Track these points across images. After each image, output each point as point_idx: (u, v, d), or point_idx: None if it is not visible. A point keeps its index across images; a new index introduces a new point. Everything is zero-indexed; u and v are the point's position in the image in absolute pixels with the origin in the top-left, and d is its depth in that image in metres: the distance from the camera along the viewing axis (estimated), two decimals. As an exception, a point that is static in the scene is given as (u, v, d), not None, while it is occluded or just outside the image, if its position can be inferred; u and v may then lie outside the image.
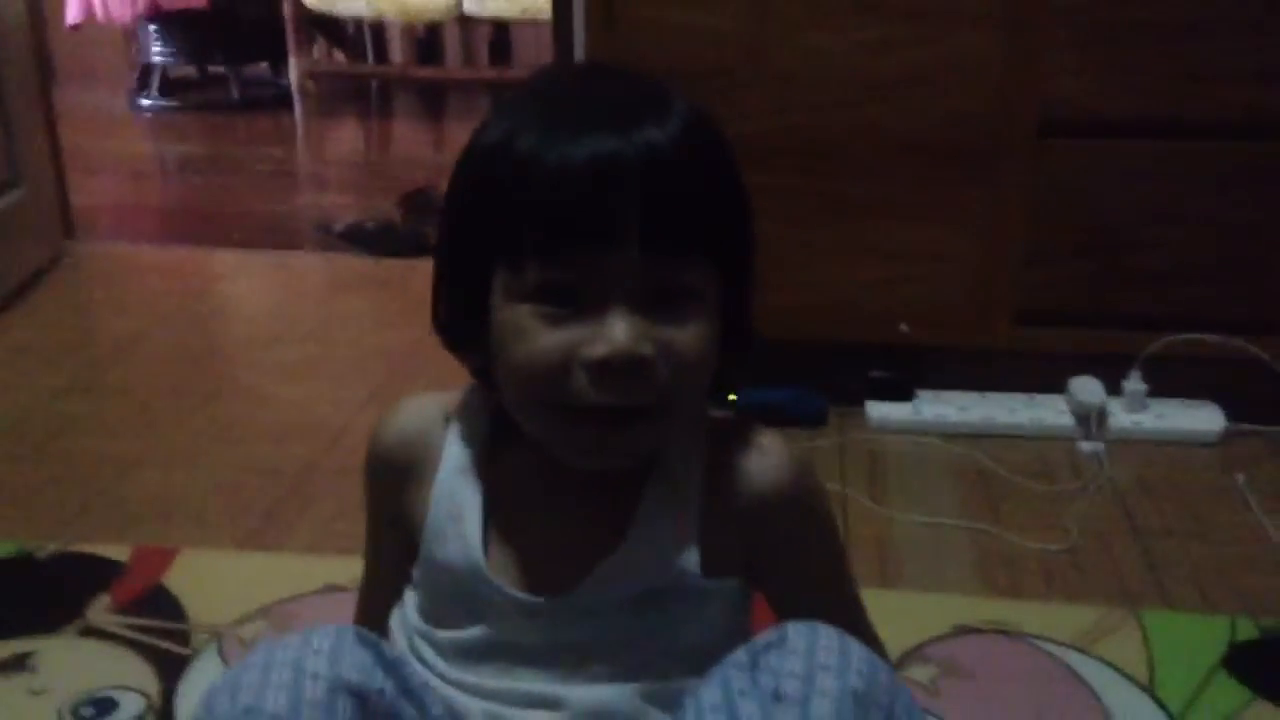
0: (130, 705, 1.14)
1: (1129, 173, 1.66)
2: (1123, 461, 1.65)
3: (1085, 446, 1.68)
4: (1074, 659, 1.21)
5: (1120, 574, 1.39)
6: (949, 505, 1.54)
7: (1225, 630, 1.27)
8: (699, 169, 0.71)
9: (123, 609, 1.29)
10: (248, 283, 2.47)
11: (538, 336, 0.69)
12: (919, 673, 1.18)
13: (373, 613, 0.84)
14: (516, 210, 0.69)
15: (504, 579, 0.75)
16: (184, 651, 1.22)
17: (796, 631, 0.69)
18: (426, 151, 3.87)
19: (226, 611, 1.28)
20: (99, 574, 1.35)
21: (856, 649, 0.69)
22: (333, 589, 1.32)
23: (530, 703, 0.74)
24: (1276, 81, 1.60)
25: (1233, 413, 1.71)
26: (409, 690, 0.72)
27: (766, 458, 0.78)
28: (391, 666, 0.71)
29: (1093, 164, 1.67)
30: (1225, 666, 1.21)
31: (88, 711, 1.13)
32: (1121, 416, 1.71)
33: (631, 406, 0.69)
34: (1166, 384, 1.72)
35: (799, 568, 0.81)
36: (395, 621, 0.82)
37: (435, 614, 0.78)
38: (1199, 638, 1.25)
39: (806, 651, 0.67)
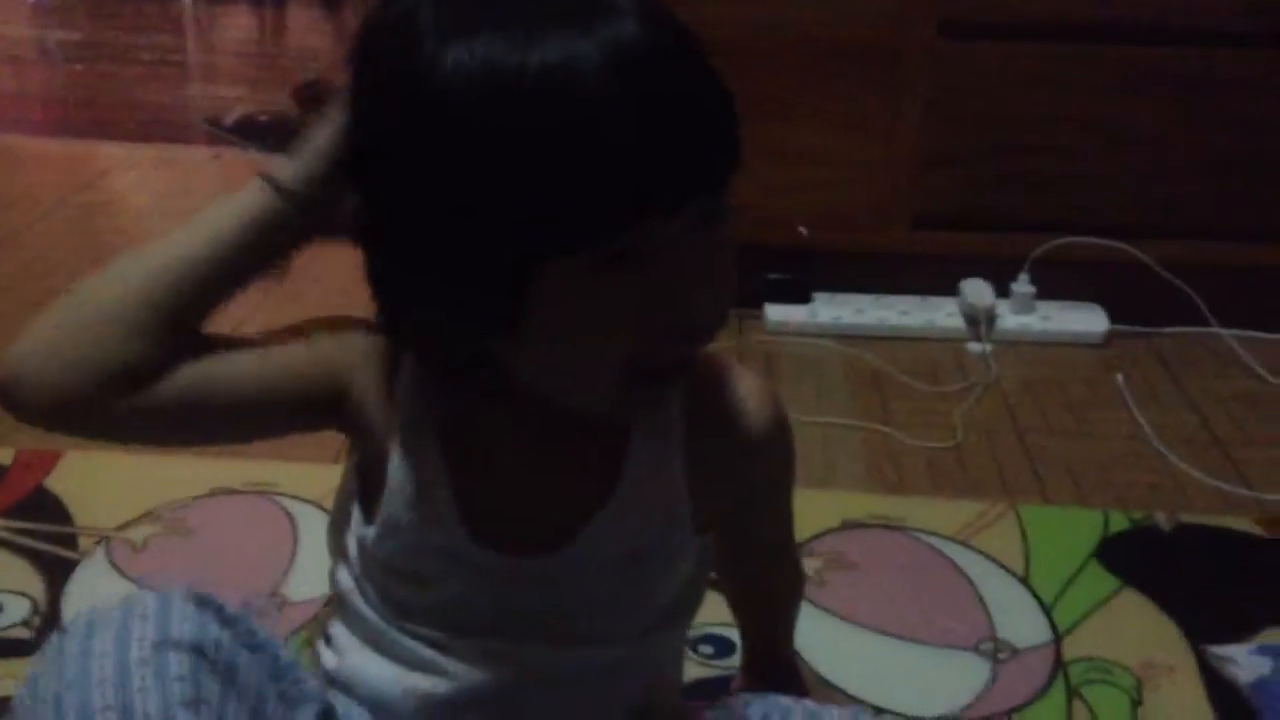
0: (15, 609, 1.13)
1: (1025, 76, 1.68)
2: (1009, 362, 1.70)
3: (974, 348, 1.72)
4: (954, 551, 1.26)
5: (1002, 470, 1.44)
6: (842, 406, 1.57)
7: (1098, 523, 1.32)
8: (701, 55, 0.59)
9: (5, 512, 1.26)
10: (134, 176, 2.38)
11: (618, 312, 0.58)
12: (806, 565, 1.21)
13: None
14: (582, 181, 0.54)
15: (482, 539, 0.68)
16: (70, 555, 1.20)
17: None
18: (323, 41, 3.74)
19: (113, 515, 1.26)
20: (-21, 477, 1.32)
21: None
22: (223, 491, 1.31)
23: (495, 663, 0.70)
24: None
25: (1116, 315, 1.77)
26: (252, 641, 0.67)
27: (751, 398, 0.73)
28: (230, 620, 0.66)
29: (990, 67, 1.68)
30: (1097, 557, 1.26)
31: (-31, 616, 1.11)
32: (1009, 318, 1.75)
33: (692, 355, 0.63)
34: (1054, 286, 1.77)
35: (770, 506, 0.80)
36: (342, 553, 0.74)
37: (394, 569, 0.71)
38: (1073, 530, 1.31)
39: None
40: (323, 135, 0.66)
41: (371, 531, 0.70)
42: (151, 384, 0.64)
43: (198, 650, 0.63)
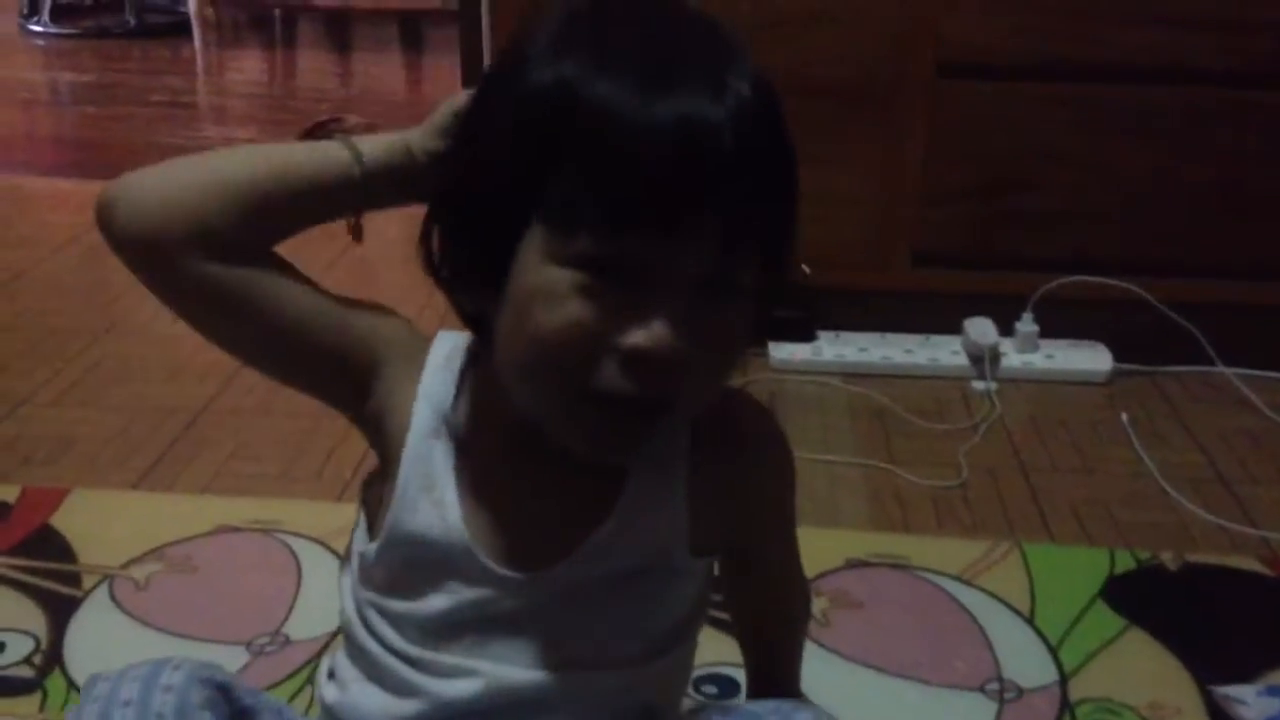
0: (18, 647, 1.12)
1: (1024, 115, 1.69)
2: (1014, 400, 1.70)
3: (978, 386, 1.72)
4: (958, 590, 1.25)
5: (1006, 509, 1.44)
6: (846, 444, 1.57)
7: (1104, 562, 1.31)
8: (777, 141, 0.64)
9: (9, 550, 1.26)
10: (143, 217, 2.40)
11: (571, 308, 0.61)
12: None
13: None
14: (579, 173, 0.60)
15: (480, 552, 0.70)
16: (74, 593, 1.20)
17: None
18: (331, 83, 3.78)
19: (118, 552, 1.26)
20: (-16, 515, 1.32)
21: None
22: (226, 529, 1.31)
23: (488, 685, 0.70)
24: (1172, 26, 1.63)
25: (1120, 353, 1.76)
26: None
27: (754, 425, 0.75)
28: (243, 714, 0.67)
29: (990, 106, 1.69)
30: (1103, 596, 1.26)
31: (-28, 654, 1.11)
32: (1013, 357, 1.75)
33: (654, 400, 0.63)
34: (1058, 325, 1.77)
35: (770, 530, 0.81)
36: (344, 587, 0.76)
37: (391, 583, 0.72)
38: (1079, 569, 1.30)
39: None
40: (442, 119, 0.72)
41: (373, 547, 0.72)
42: (229, 260, 0.68)
43: None
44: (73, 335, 1.82)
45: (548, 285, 0.62)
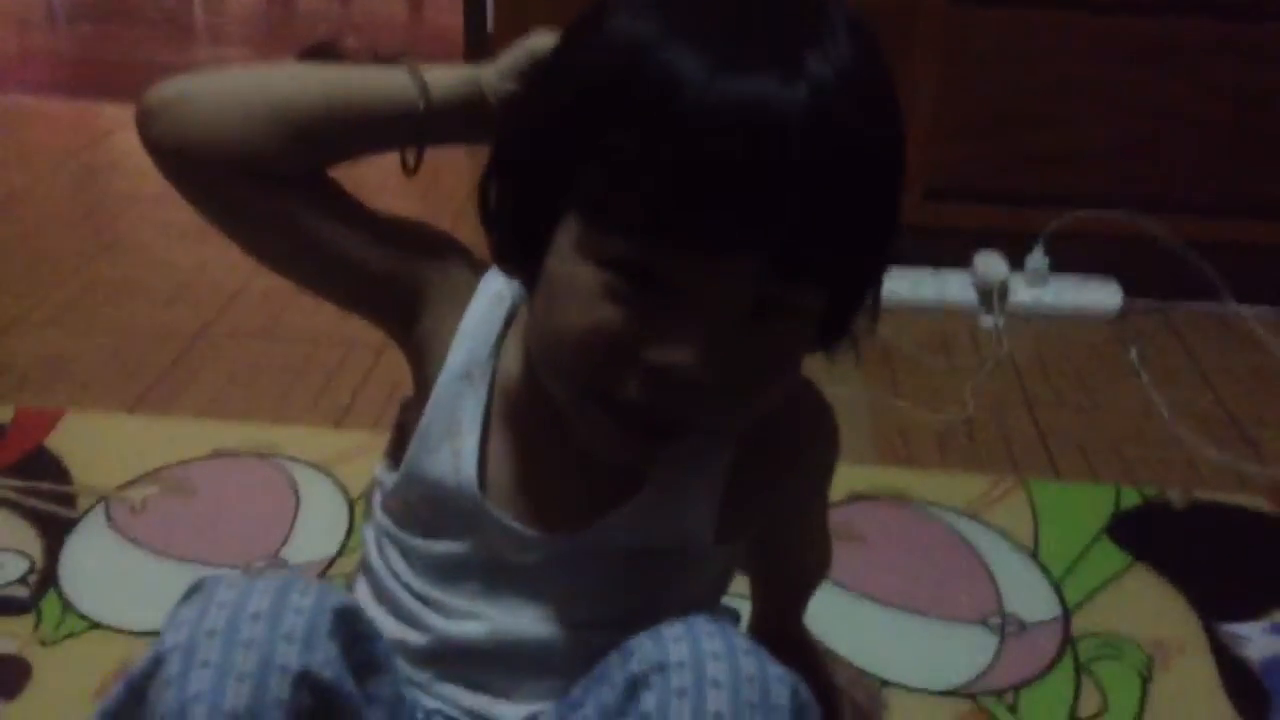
0: (13, 567, 1.11)
1: (1041, 46, 1.65)
2: (1022, 336, 1.68)
3: (986, 321, 1.70)
4: (963, 525, 1.24)
5: (1012, 445, 1.42)
6: (851, 377, 1.54)
7: (1109, 499, 1.30)
8: (871, 134, 0.56)
9: (4, 471, 1.25)
10: (138, 138, 2.36)
11: (596, 309, 0.56)
12: (813, 538, 1.19)
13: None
14: (620, 163, 0.54)
15: (497, 503, 0.67)
16: (69, 514, 1.19)
17: (677, 648, 0.58)
18: (331, 4, 3.71)
19: (113, 475, 1.25)
20: (-21, 436, 1.31)
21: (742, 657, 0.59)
22: (224, 453, 1.29)
23: (494, 631, 0.68)
24: (1194, -43, 1.59)
25: (1130, 289, 1.74)
26: (375, 693, 0.63)
27: (810, 423, 0.72)
28: (364, 660, 0.62)
29: (1003, 36, 1.65)
30: (1108, 533, 1.25)
31: (-34, 574, 1.10)
32: (1023, 292, 1.73)
33: (671, 420, 0.59)
34: (1068, 260, 1.74)
35: (804, 515, 0.80)
36: (368, 535, 0.73)
37: (407, 517, 0.70)
38: (1084, 506, 1.29)
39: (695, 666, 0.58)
40: (519, 57, 0.66)
41: (392, 478, 0.70)
42: (272, 182, 0.64)
43: (327, 695, 0.58)
44: (68, 256, 1.79)
45: (577, 282, 0.57)
